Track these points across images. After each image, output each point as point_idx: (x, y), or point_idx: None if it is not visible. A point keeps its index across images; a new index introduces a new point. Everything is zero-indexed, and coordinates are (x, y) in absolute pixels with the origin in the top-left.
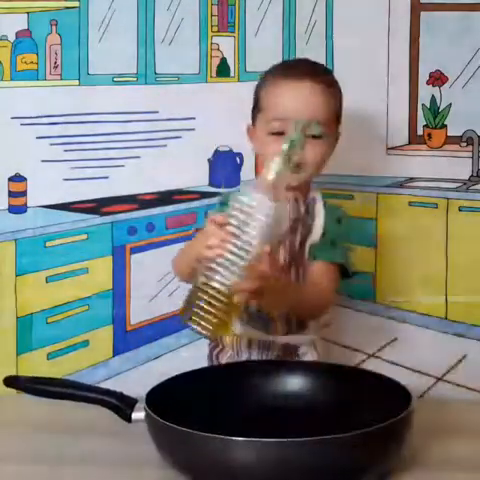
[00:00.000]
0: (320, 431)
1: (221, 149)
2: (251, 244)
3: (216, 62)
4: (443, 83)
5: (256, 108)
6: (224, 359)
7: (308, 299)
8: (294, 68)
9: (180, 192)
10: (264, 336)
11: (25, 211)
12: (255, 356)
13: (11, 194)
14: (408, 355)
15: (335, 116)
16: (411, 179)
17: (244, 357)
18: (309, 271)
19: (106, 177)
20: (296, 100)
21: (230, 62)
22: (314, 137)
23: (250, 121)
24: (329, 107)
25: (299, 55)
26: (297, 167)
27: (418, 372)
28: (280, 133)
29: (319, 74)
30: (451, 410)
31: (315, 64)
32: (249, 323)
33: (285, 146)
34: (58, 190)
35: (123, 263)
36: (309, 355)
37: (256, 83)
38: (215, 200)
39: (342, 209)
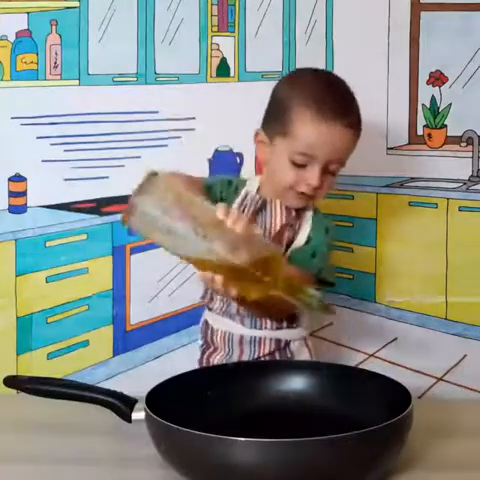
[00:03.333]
0: (320, 431)
1: (221, 149)
2: None
3: (216, 62)
4: (443, 83)
5: (278, 125)
6: (215, 360)
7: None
8: (330, 106)
9: None
10: (254, 332)
11: (25, 211)
12: (247, 353)
13: (11, 194)
14: (408, 355)
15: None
16: (411, 179)
17: (235, 355)
18: None
19: (106, 177)
20: (326, 143)
21: (230, 62)
22: (330, 172)
23: (259, 126)
24: (352, 149)
25: (299, 55)
26: (311, 195)
27: (418, 372)
28: (302, 165)
29: (352, 118)
30: (451, 410)
31: (348, 101)
32: (236, 319)
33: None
34: (58, 190)
35: (123, 263)
36: (301, 351)
37: (280, 91)
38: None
39: (330, 219)
